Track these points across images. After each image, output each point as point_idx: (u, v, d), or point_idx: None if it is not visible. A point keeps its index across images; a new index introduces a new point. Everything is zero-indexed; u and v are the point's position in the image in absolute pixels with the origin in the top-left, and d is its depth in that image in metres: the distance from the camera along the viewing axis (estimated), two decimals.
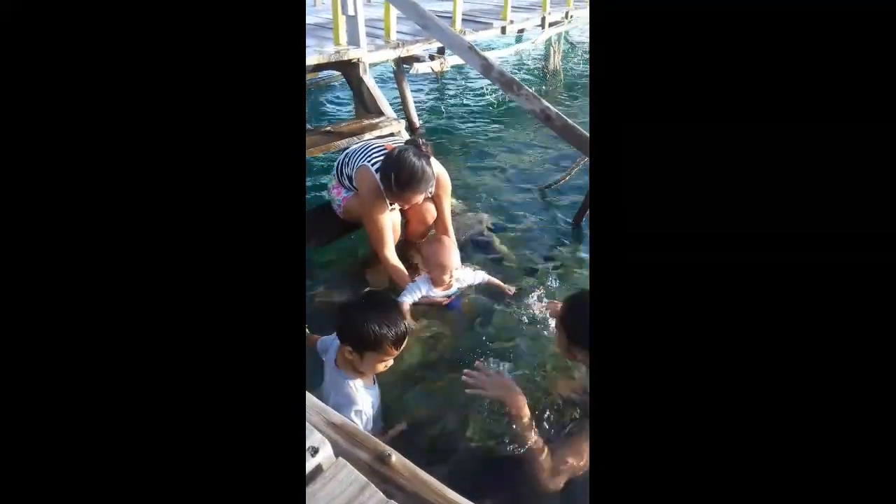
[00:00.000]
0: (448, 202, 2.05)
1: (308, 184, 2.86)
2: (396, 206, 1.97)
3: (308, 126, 3.49)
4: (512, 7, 4.38)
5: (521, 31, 4.92)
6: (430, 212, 2.07)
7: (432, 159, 1.86)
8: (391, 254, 1.92)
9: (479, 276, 1.97)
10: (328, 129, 2.76)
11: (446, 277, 1.83)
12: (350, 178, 1.97)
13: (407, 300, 1.83)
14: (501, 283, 1.97)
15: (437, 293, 1.88)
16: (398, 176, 1.73)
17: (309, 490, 0.68)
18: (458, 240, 2.12)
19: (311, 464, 0.69)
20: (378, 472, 0.81)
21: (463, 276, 1.91)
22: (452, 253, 1.83)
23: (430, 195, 1.97)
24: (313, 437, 0.72)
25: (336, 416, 0.90)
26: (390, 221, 1.91)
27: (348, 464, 0.71)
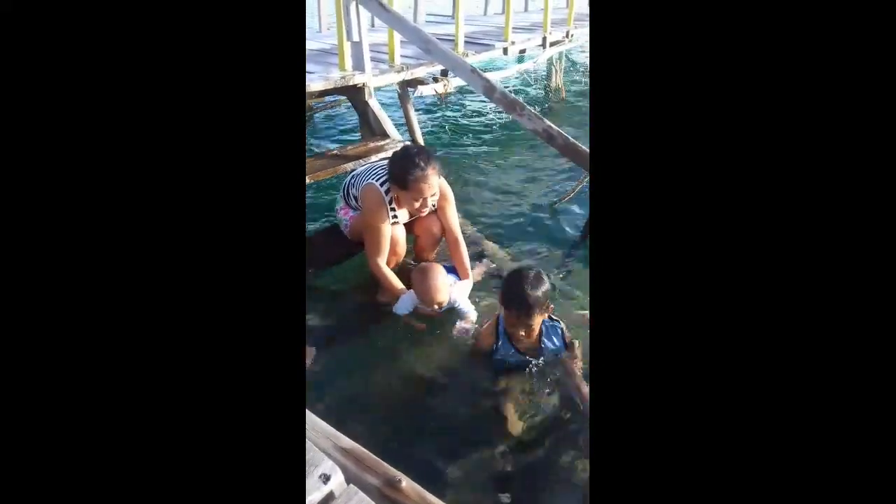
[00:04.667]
0: (453, 212, 2.06)
1: (315, 207, 2.89)
2: (399, 220, 1.99)
3: (315, 150, 3.55)
4: (513, 28, 4.45)
5: (523, 51, 4.99)
6: (437, 225, 2.09)
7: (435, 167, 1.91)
8: (382, 263, 1.95)
9: (470, 311, 1.92)
10: (335, 152, 2.80)
11: (434, 306, 1.86)
12: (356, 199, 2.01)
13: (401, 312, 1.90)
14: (466, 326, 1.88)
15: (427, 308, 1.91)
16: (398, 161, 1.82)
17: None
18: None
19: (322, 491, 0.69)
20: (389, 498, 0.80)
21: (460, 298, 1.91)
22: (438, 285, 1.82)
23: (433, 208, 1.99)
24: (324, 464, 0.72)
25: (346, 441, 0.90)
26: (388, 233, 1.93)
27: (359, 490, 0.71)
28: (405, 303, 1.91)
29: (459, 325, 1.86)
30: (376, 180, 1.91)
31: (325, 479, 0.70)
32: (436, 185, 1.86)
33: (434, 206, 1.99)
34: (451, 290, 1.89)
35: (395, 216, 1.96)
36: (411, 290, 1.90)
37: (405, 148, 1.91)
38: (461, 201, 2.29)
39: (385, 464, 0.87)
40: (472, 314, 1.92)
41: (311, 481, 0.69)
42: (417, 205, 1.88)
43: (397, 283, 1.96)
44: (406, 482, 0.83)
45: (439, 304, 1.85)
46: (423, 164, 1.80)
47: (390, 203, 1.92)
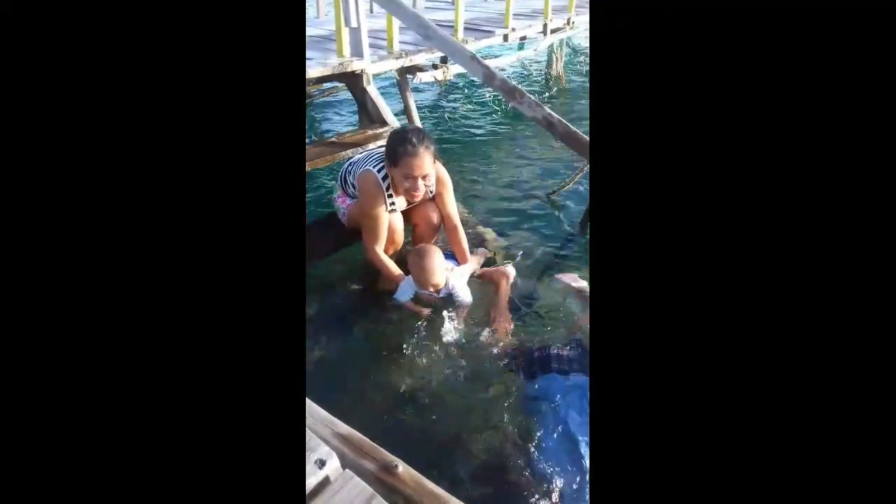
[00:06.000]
0: (451, 199, 2.05)
1: (312, 195, 2.88)
2: (397, 207, 1.99)
3: (313, 137, 3.52)
4: (514, 15, 4.39)
5: (523, 38, 4.94)
6: (436, 213, 2.09)
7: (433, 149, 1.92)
8: (380, 250, 1.96)
9: (466, 297, 1.94)
10: (332, 140, 2.79)
11: (430, 288, 1.88)
12: (354, 186, 2.00)
13: (402, 299, 1.92)
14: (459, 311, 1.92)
15: (427, 292, 1.92)
16: (393, 140, 1.83)
17: (316, 502, 0.68)
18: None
19: (318, 476, 0.70)
20: (385, 483, 0.81)
21: (457, 284, 1.93)
22: (433, 267, 1.84)
23: (431, 195, 1.98)
24: (320, 450, 0.72)
25: (343, 427, 0.90)
26: (385, 220, 1.93)
27: (355, 475, 0.71)
28: (405, 289, 1.92)
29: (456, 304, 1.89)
30: (374, 167, 1.90)
31: (321, 464, 0.70)
32: (427, 165, 1.83)
33: (431, 192, 1.97)
34: (449, 275, 1.90)
35: (392, 203, 1.95)
36: (410, 276, 1.91)
37: (402, 127, 1.94)
38: (459, 189, 2.28)
39: (382, 449, 0.87)
40: (468, 300, 1.93)
41: (307, 467, 0.70)
42: (408, 185, 1.84)
43: (395, 270, 1.96)
44: (402, 467, 0.83)
45: (434, 286, 1.86)
46: (415, 140, 1.80)
47: (388, 190, 1.91)
